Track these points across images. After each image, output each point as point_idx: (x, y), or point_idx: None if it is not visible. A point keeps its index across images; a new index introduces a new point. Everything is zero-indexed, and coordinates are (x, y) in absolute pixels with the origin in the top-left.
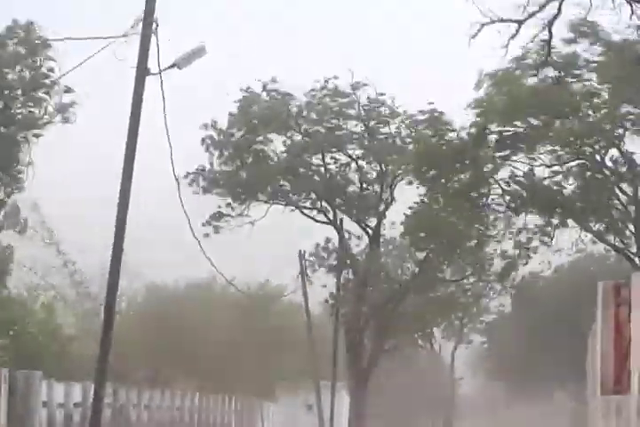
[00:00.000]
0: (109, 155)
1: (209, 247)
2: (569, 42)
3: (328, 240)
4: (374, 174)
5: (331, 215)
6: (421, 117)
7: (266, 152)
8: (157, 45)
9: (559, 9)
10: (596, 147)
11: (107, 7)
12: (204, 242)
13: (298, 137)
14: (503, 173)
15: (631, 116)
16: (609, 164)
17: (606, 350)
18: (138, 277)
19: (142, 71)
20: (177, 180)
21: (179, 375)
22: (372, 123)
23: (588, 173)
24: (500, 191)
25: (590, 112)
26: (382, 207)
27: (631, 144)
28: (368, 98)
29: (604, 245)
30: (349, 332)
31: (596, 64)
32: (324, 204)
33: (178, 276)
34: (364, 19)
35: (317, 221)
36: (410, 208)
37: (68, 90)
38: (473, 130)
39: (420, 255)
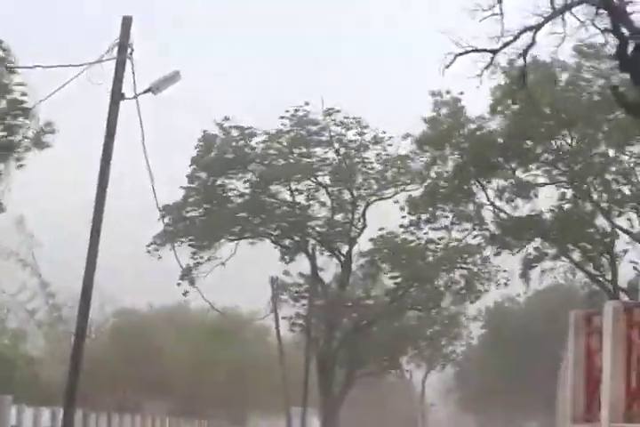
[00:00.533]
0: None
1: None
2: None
3: (298, 267)
4: (346, 200)
5: (302, 243)
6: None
7: (227, 193)
8: (132, 71)
9: (533, 38)
10: None
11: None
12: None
13: (262, 169)
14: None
15: None
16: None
17: (577, 378)
18: (109, 301)
19: (117, 96)
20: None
21: (149, 400)
22: (343, 149)
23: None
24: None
25: None
26: (354, 233)
27: None
28: (341, 123)
29: (578, 272)
30: (320, 357)
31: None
32: (292, 233)
33: (148, 301)
34: (336, 50)
35: (288, 248)
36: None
37: (47, 123)
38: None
39: (390, 282)
